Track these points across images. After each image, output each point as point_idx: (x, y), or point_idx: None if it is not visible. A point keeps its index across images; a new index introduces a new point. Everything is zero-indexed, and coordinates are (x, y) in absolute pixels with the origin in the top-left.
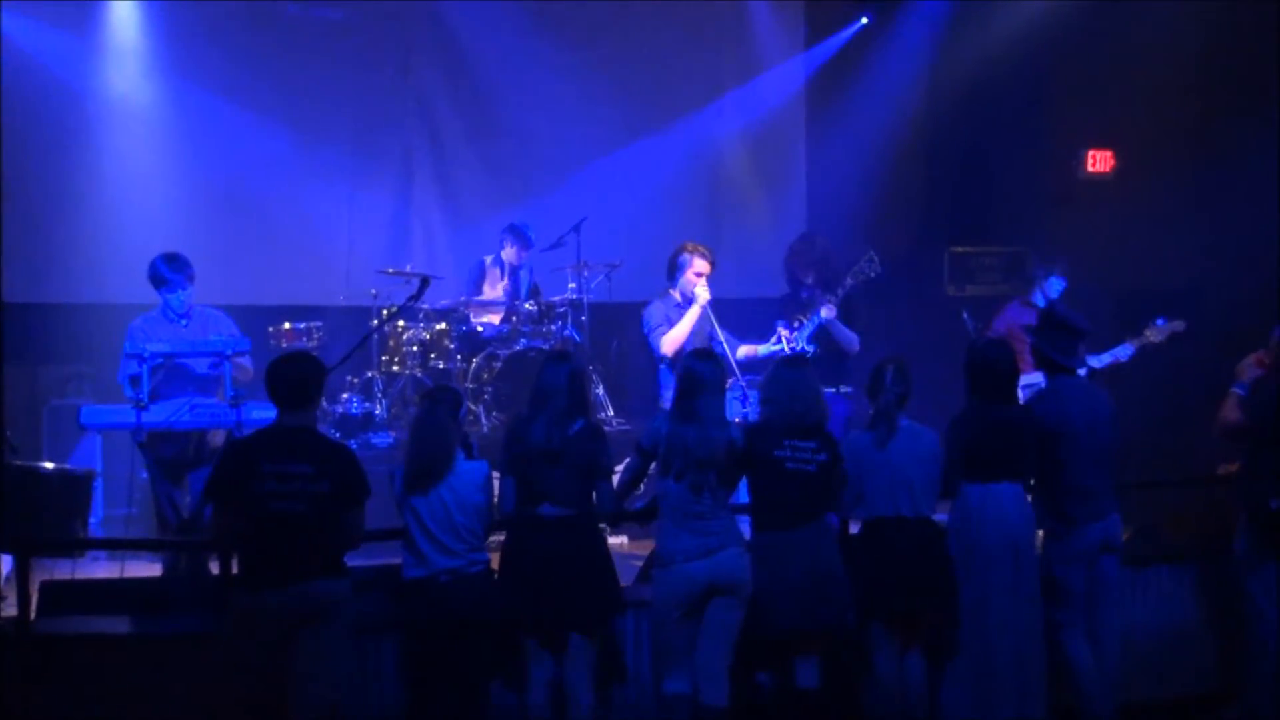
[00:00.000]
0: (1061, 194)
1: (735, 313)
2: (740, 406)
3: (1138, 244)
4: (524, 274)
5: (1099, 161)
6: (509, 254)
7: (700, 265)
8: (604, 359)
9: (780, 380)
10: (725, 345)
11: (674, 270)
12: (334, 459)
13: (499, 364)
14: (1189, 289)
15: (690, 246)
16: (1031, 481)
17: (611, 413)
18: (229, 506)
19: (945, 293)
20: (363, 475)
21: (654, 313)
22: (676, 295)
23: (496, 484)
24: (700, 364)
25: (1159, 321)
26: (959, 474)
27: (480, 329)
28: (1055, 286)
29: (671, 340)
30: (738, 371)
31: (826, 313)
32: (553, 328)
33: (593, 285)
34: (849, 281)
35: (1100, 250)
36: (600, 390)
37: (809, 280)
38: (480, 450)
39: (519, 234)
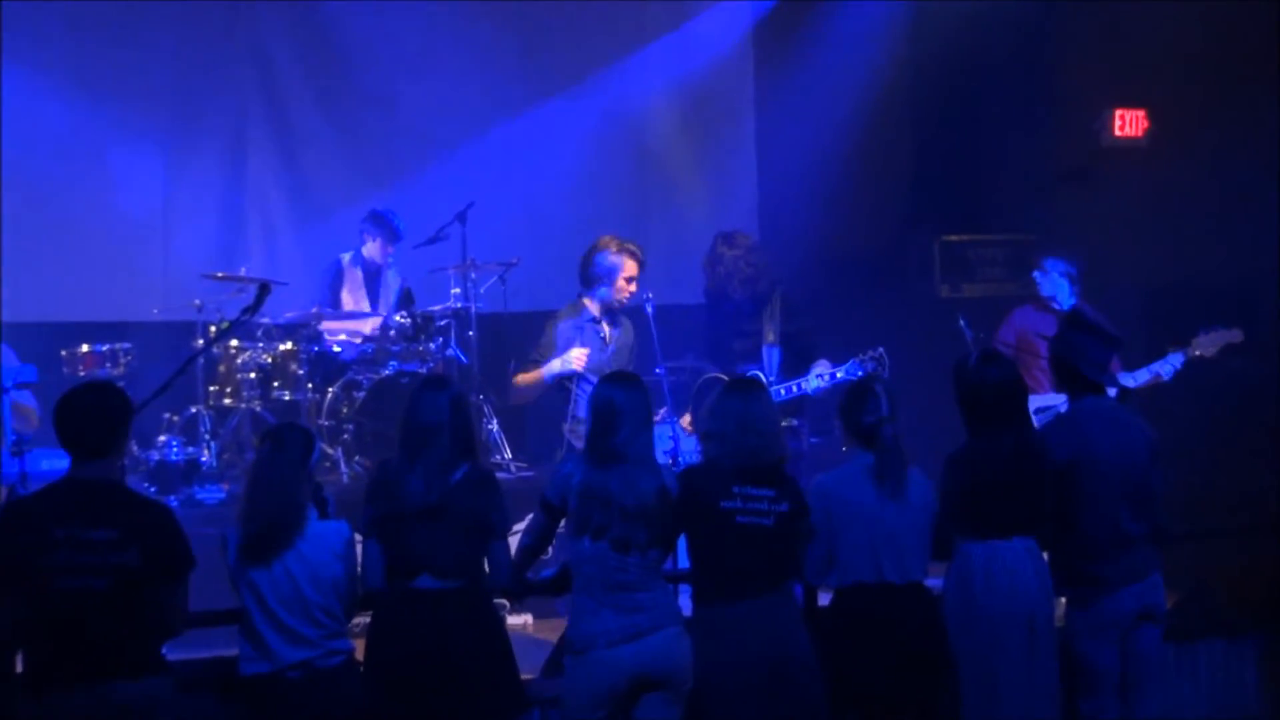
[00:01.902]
0: (1079, 166)
1: (665, 325)
2: (674, 443)
3: (1177, 228)
4: (392, 277)
5: (1129, 124)
6: (372, 250)
7: (630, 268)
8: (498, 386)
9: (727, 409)
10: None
11: (591, 274)
12: (145, 521)
13: (361, 394)
14: (1244, 286)
15: (614, 243)
16: (1049, 535)
17: (508, 455)
18: (7, 586)
19: (937, 293)
20: (184, 542)
21: (557, 331)
22: (593, 307)
23: (360, 550)
24: (618, 390)
25: (1209, 329)
26: (957, 528)
27: (337, 349)
28: (1059, 284)
29: (522, 383)
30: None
31: (818, 380)
32: (430, 346)
33: (482, 291)
34: (857, 371)
35: (1130, 236)
36: (493, 427)
37: (736, 294)
38: (339, 507)
39: (385, 224)
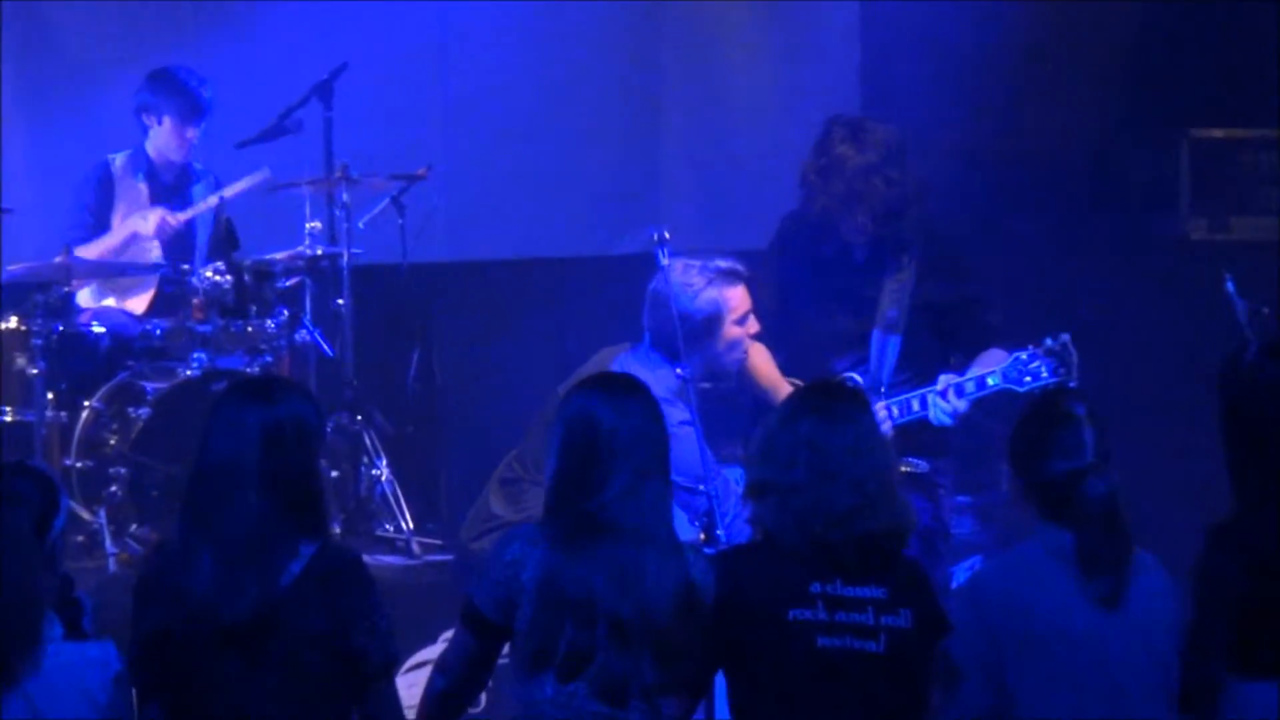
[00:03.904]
0: None
1: None
2: (709, 500)
3: None
4: (201, 193)
5: None
6: (162, 142)
7: (738, 297)
8: (394, 396)
9: (797, 441)
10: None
11: (665, 330)
12: None
13: (142, 412)
14: None
15: (693, 272)
16: None
17: (407, 525)
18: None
19: (1184, 232)
20: None
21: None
22: (677, 390)
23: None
24: (607, 401)
25: None
26: (1225, 657)
27: (99, 329)
28: None
29: None
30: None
31: (956, 399)
32: (268, 325)
33: (362, 225)
34: (1026, 374)
35: None
36: (380, 472)
37: (863, 230)
38: (102, 615)
39: (178, 89)
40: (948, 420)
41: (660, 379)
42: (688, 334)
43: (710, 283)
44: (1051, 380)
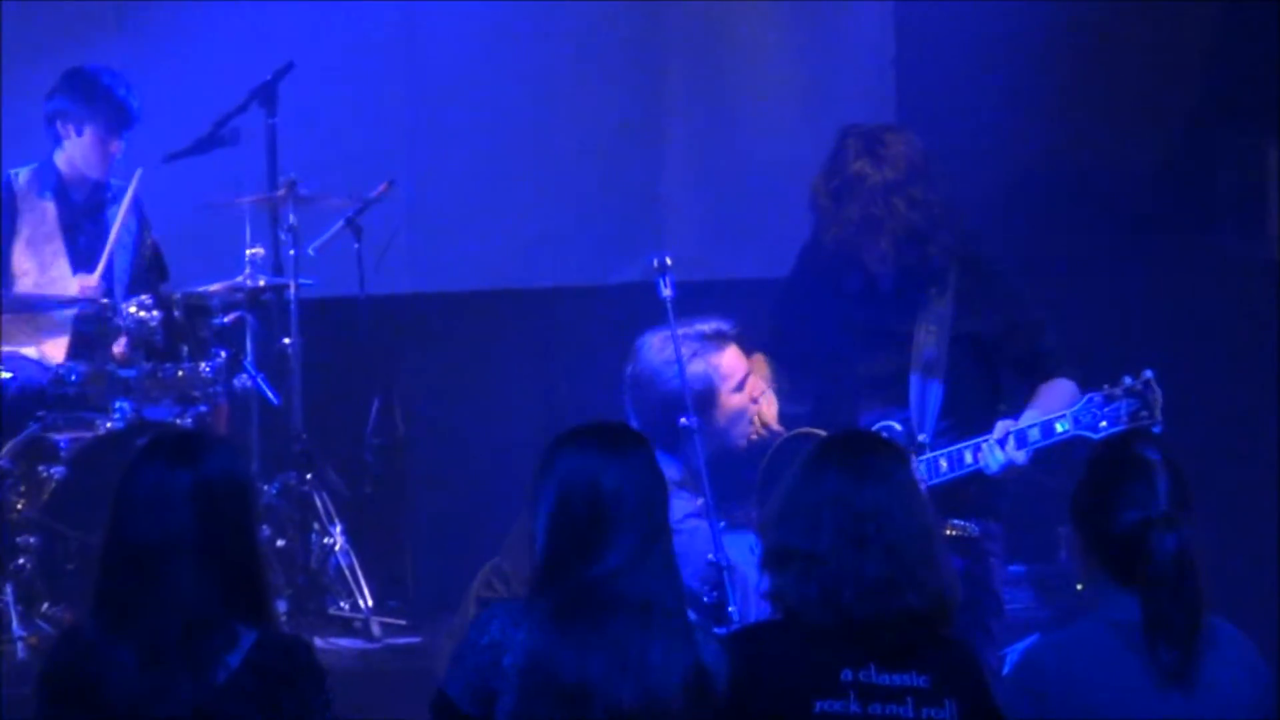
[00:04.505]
0: None
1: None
2: (725, 571)
3: None
4: (118, 217)
5: None
6: (78, 154)
7: (732, 360)
8: (351, 451)
9: (821, 500)
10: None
11: (655, 411)
12: None
13: (57, 470)
14: None
15: (662, 341)
16: None
17: (366, 602)
18: None
19: (1274, 256)
20: None
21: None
22: (683, 480)
23: None
24: (609, 459)
25: None
26: None
27: (3, 373)
28: None
29: None
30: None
31: (1015, 447)
32: (203, 368)
33: (313, 252)
34: (1101, 420)
35: None
36: (334, 541)
37: (884, 257)
38: (10, 712)
39: (98, 94)
40: (1001, 470)
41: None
42: (677, 419)
43: (695, 353)
44: (1132, 425)
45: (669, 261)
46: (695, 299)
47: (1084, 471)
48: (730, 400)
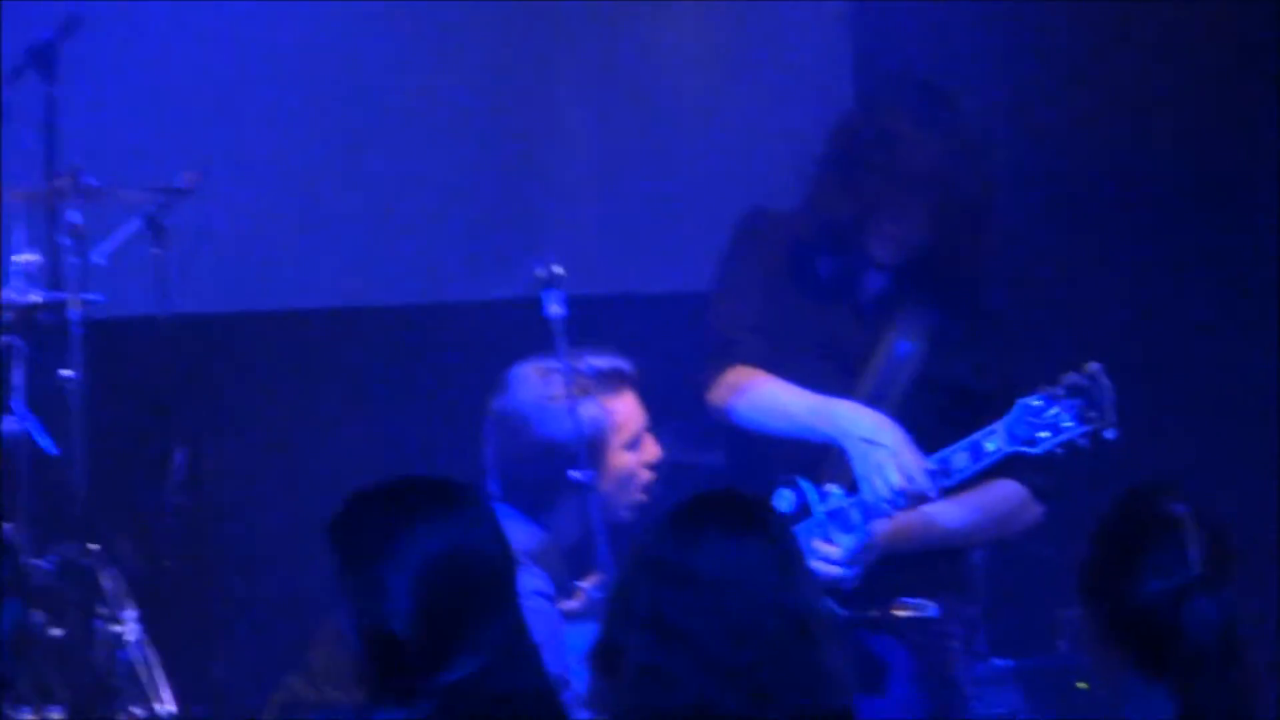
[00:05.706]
0: None
1: (608, 340)
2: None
3: None
4: None
5: None
6: None
7: (627, 409)
8: (148, 515)
9: (643, 572)
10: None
11: (521, 475)
12: None
13: None
14: None
15: (543, 374)
16: None
17: (163, 707)
18: None
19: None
20: None
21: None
22: (546, 559)
23: None
24: (459, 525)
25: None
26: None
27: None
28: None
29: None
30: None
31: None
32: None
33: (102, 257)
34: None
35: None
36: (125, 630)
37: (898, 249)
38: None
39: None
40: (889, 511)
41: (514, 540)
42: (556, 473)
43: (586, 393)
44: (1080, 431)
45: (559, 271)
46: (589, 320)
47: (1093, 536)
48: (620, 459)
